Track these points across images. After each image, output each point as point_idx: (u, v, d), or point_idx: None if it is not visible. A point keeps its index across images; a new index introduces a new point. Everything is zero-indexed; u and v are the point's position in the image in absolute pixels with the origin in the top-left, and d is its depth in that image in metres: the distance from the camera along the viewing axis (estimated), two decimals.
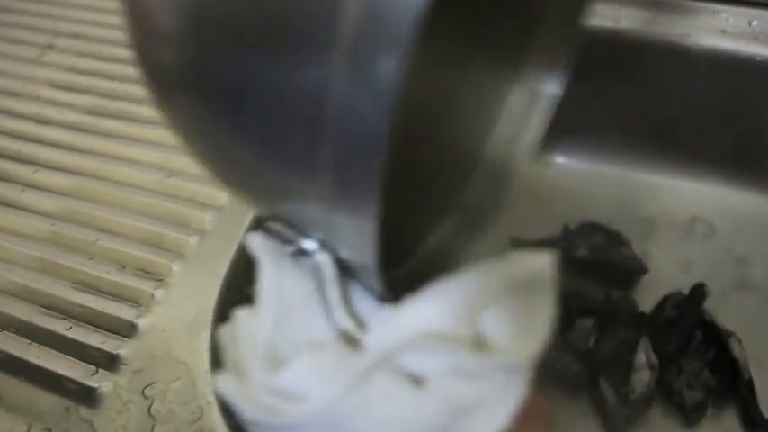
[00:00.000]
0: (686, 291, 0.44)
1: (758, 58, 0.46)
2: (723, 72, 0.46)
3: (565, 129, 0.54)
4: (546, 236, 0.49)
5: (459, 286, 0.23)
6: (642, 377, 0.39)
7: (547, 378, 0.42)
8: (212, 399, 0.31)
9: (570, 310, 0.44)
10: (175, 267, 0.38)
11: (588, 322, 0.44)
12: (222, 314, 0.34)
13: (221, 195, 0.43)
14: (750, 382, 0.41)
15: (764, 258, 0.48)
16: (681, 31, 0.47)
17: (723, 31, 0.47)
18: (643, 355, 0.40)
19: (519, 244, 0.50)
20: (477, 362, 0.21)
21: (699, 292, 0.43)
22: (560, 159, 0.54)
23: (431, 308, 0.23)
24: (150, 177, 0.44)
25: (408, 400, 0.21)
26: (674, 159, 0.51)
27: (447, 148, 0.40)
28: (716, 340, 0.42)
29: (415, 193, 0.37)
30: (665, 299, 0.44)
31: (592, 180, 0.53)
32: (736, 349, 0.41)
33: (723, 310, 0.44)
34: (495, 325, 0.22)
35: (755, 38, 0.47)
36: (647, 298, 0.45)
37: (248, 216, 0.39)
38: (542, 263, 0.23)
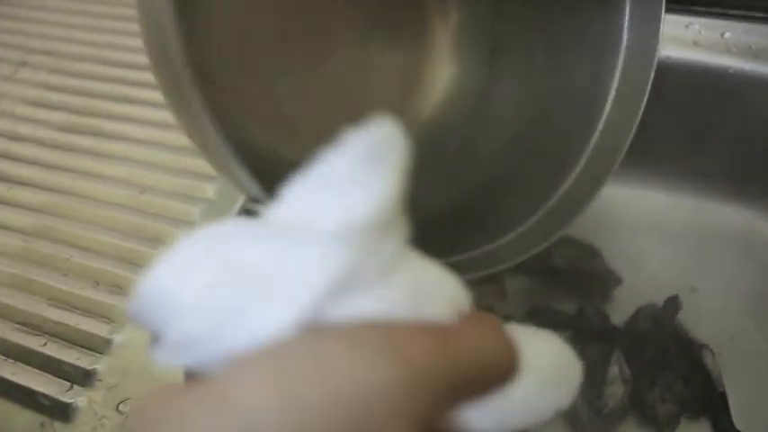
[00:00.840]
0: (659, 303, 0.45)
1: (731, 71, 0.47)
2: (694, 84, 0.47)
3: None
4: None
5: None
6: (615, 391, 0.40)
7: None
8: None
9: (543, 324, 0.44)
10: None
11: (562, 336, 0.45)
12: None
13: (194, 210, 0.43)
14: (723, 395, 0.42)
15: (736, 269, 0.48)
16: None
17: (695, 43, 0.48)
18: (616, 369, 0.40)
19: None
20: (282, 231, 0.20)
21: (672, 304, 0.44)
22: None
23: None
24: (123, 193, 0.45)
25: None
26: (644, 171, 0.52)
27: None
28: (689, 353, 0.43)
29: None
30: (639, 311, 0.45)
31: None
32: (709, 361, 0.42)
33: (696, 322, 0.44)
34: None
35: (728, 50, 0.48)
36: (620, 311, 0.46)
37: None
38: (385, 133, 0.21)
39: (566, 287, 0.48)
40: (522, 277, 0.50)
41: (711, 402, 0.42)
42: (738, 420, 0.41)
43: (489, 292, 0.44)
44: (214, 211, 0.44)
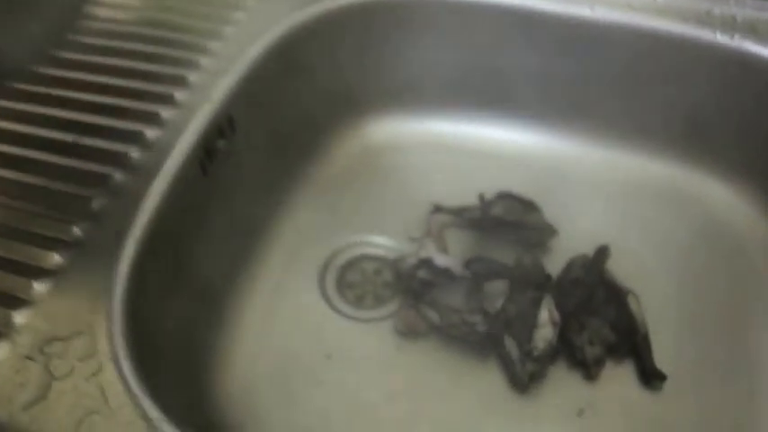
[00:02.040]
0: (591, 253, 0.48)
1: (662, 32, 0.49)
2: (628, 45, 0.49)
3: (488, 100, 0.58)
4: (464, 204, 0.52)
5: None
6: (545, 334, 0.42)
7: (454, 340, 0.46)
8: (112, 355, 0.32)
9: (479, 274, 0.47)
10: (78, 229, 0.38)
11: (498, 285, 0.47)
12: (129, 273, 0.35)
13: None
14: (646, 337, 0.45)
15: (663, 221, 0.51)
16: (585, 3, 0.50)
17: (629, 5, 0.50)
18: (546, 313, 0.43)
19: (441, 210, 0.52)
20: None
21: (601, 253, 0.46)
22: (479, 131, 0.57)
23: None
24: None
25: None
26: (582, 129, 0.54)
27: None
28: (616, 298, 0.45)
29: None
30: (572, 261, 0.47)
31: (505, 151, 0.56)
32: (633, 306, 0.45)
33: (625, 270, 0.47)
34: None
35: (660, 12, 0.50)
36: (556, 261, 0.48)
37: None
38: None
39: (505, 239, 0.50)
40: (462, 230, 0.52)
41: (635, 345, 0.45)
42: (660, 362, 0.44)
43: (410, 319, 0.47)
44: None
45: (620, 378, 0.45)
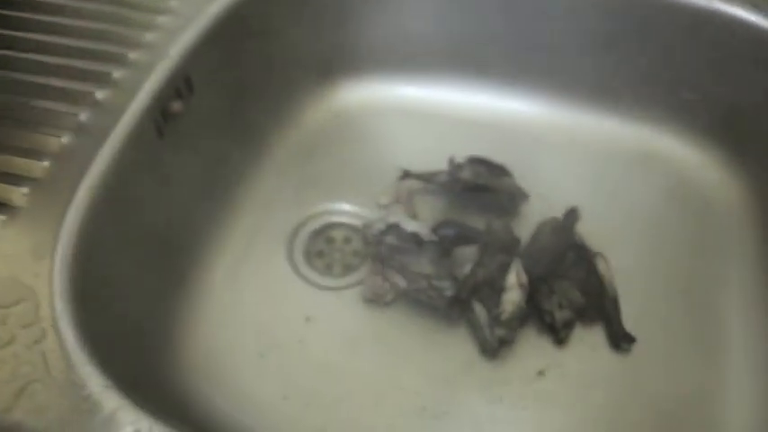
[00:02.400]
0: (562, 216, 0.47)
1: None
2: (599, 5, 0.48)
3: (459, 64, 0.56)
4: (434, 168, 0.51)
5: None
6: (512, 296, 0.42)
7: (423, 306, 0.45)
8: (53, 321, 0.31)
9: (447, 238, 0.46)
10: (23, 192, 0.37)
11: (468, 250, 0.46)
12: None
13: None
14: (615, 299, 0.45)
15: (633, 184, 0.51)
16: None
17: None
18: (514, 276, 0.42)
19: (410, 176, 0.52)
20: None
21: (571, 216, 0.46)
22: (450, 96, 0.56)
23: None
24: None
25: None
26: (553, 93, 0.53)
27: None
28: (585, 261, 0.45)
29: None
30: (542, 225, 0.46)
31: (476, 115, 0.55)
32: (602, 267, 0.44)
33: (595, 233, 0.46)
34: None
35: None
36: (527, 225, 0.47)
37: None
38: None
39: (475, 204, 0.49)
40: (432, 196, 0.51)
41: (604, 309, 0.45)
42: (629, 324, 0.44)
43: (377, 286, 0.46)
44: None
45: (589, 341, 0.45)
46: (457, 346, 0.44)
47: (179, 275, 0.44)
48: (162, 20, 0.45)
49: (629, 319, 0.45)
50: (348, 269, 0.48)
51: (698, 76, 0.50)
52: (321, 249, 0.50)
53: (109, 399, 0.28)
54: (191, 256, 0.45)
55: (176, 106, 0.41)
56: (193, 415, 0.36)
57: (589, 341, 0.45)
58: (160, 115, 0.40)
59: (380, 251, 0.46)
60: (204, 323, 0.44)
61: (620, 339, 0.44)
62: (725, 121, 0.50)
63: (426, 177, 0.51)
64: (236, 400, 0.40)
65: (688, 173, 0.52)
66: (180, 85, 0.41)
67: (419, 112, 0.55)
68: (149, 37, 0.44)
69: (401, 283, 0.45)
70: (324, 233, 0.50)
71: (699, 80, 0.50)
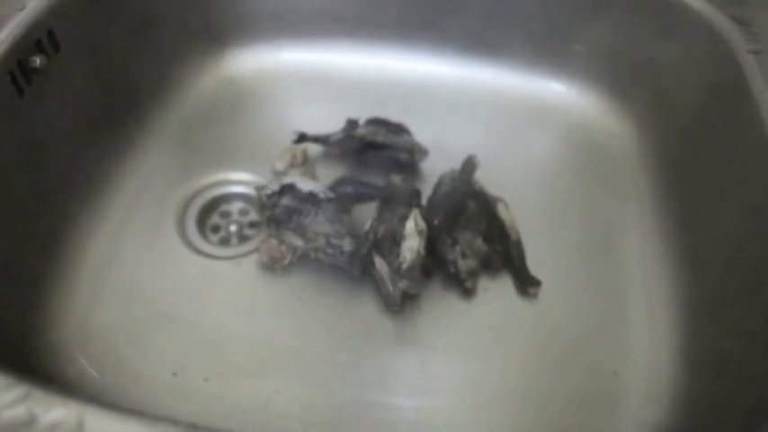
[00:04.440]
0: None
1: None
2: None
3: (350, 27, 0.57)
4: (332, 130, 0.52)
5: None
6: (411, 243, 0.42)
7: (323, 265, 0.45)
8: None
9: (346, 196, 0.47)
10: None
11: (368, 207, 0.47)
12: None
13: None
14: (518, 243, 0.46)
15: (528, 132, 0.54)
16: None
17: None
18: (411, 223, 0.43)
19: (305, 139, 0.52)
20: None
21: (468, 164, 0.47)
22: (343, 59, 0.57)
23: None
24: None
25: None
26: (444, 49, 0.55)
27: None
28: (486, 209, 0.46)
29: None
30: (442, 176, 0.48)
31: (371, 76, 0.56)
32: (503, 213, 0.46)
33: (495, 182, 0.48)
34: None
35: None
36: (428, 180, 0.49)
37: None
38: None
39: (375, 162, 0.51)
40: (333, 158, 0.52)
41: (509, 255, 0.46)
42: (533, 269, 0.46)
43: (272, 249, 0.46)
44: None
45: (496, 290, 0.46)
46: (361, 304, 0.45)
47: (53, 251, 0.43)
48: None
49: (534, 264, 0.46)
50: (245, 240, 0.48)
51: (584, 31, 0.53)
52: (215, 222, 0.49)
53: None
54: (64, 226, 0.44)
55: (39, 61, 0.40)
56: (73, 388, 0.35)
57: (496, 290, 0.46)
58: (19, 70, 0.39)
59: (275, 214, 0.46)
60: (81, 296, 0.43)
61: (527, 284, 0.46)
62: (614, 72, 0.54)
63: (322, 139, 0.51)
64: (124, 377, 0.39)
65: (581, 121, 0.55)
66: (42, 38, 0.40)
67: (314, 76, 0.56)
68: None
69: (298, 243, 0.45)
70: (218, 204, 0.50)
71: (585, 34, 0.53)
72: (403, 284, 0.44)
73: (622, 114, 0.54)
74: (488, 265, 0.47)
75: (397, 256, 0.44)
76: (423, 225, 0.43)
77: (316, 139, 0.51)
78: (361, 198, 0.47)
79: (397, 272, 0.44)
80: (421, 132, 0.51)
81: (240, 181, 0.50)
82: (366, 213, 0.47)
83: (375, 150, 0.51)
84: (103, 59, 0.47)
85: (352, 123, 0.51)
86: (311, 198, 0.46)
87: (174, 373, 0.40)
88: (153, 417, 0.27)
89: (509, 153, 0.52)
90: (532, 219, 0.48)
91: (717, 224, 0.45)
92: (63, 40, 0.42)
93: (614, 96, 0.54)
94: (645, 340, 0.44)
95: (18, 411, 0.26)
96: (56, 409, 0.26)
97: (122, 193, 0.48)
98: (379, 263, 0.45)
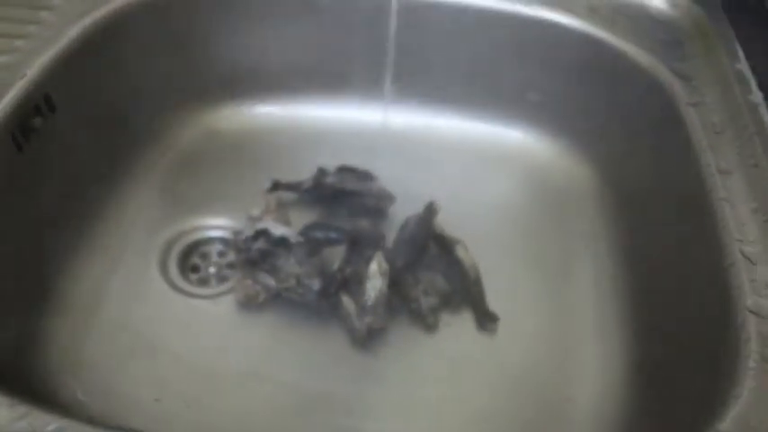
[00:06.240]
0: None
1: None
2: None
3: (323, 82, 0.65)
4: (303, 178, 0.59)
5: None
6: (375, 283, 0.49)
7: (294, 304, 0.51)
8: None
9: (316, 239, 0.53)
10: None
11: (337, 250, 0.54)
12: None
13: None
14: (477, 282, 0.53)
15: (491, 178, 0.62)
16: None
17: None
18: (375, 265, 0.49)
19: (279, 187, 0.59)
20: None
21: (429, 209, 0.54)
22: (317, 111, 0.65)
23: None
24: None
25: None
26: (414, 98, 0.63)
27: None
28: (446, 250, 0.53)
29: None
30: (407, 220, 0.54)
31: (342, 128, 0.64)
32: (461, 254, 0.52)
33: (457, 224, 0.54)
34: None
35: None
36: (394, 225, 0.55)
37: None
38: None
39: (344, 208, 0.58)
40: (304, 205, 0.59)
41: (469, 293, 0.53)
42: (493, 305, 0.52)
43: (247, 288, 0.53)
44: None
45: (457, 325, 0.53)
46: (330, 339, 0.51)
47: (43, 290, 0.49)
48: (20, 43, 0.51)
49: (493, 300, 0.53)
50: (223, 280, 0.55)
51: (539, 80, 0.61)
52: (195, 263, 0.56)
53: None
54: (56, 266, 0.50)
55: (37, 122, 0.47)
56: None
57: (457, 325, 0.53)
58: (19, 130, 0.46)
59: (250, 256, 0.53)
60: (73, 329, 0.49)
61: (486, 319, 0.52)
62: (568, 118, 0.62)
63: (294, 186, 0.59)
64: (111, 402, 0.45)
65: (540, 165, 0.62)
66: (39, 101, 0.48)
67: (287, 128, 0.64)
68: (6, 59, 0.50)
69: (271, 283, 0.52)
70: (198, 248, 0.57)
71: (541, 83, 0.61)
72: (368, 320, 0.50)
73: (579, 158, 0.62)
74: (449, 303, 0.53)
75: (363, 294, 0.51)
76: (385, 266, 0.50)
77: (288, 187, 0.58)
78: (330, 241, 0.54)
79: (362, 309, 0.50)
80: (387, 179, 0.58)
81: (218, 226, 0.57)
82: (335, 255, 0.54)
83: (344, 197, 0.58)
84: (95, 117, 0.55)
85: (322, 171, 0.58)
86: (283, 242, 0.53)
87: (157, 399, 0.47)
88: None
89: (471, 197, 0.60)
90: (493, 257, 0.55)
91: (664, 256, 0.52)
92: (58, 103, 0.50)
93: (569, 141, 0.62)
94: (597, 368, 0.50)
95: (21, 426, 0.32)
96: (54, 424, 0.32)
97: (110, 236, 0.55)
98: (347, 301, 0.51)
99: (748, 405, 0.35)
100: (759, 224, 0.44)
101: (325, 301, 0.51)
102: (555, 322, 0.53)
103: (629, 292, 0.54)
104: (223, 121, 0.64)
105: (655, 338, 0.50)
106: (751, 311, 0.39)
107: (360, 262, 0.52)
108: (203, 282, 0.55)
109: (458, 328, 0.52)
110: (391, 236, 0.55)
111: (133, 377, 0.48)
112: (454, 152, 0.63)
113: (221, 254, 0.56)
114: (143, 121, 0.60)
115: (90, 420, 0.33)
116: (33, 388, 0.42)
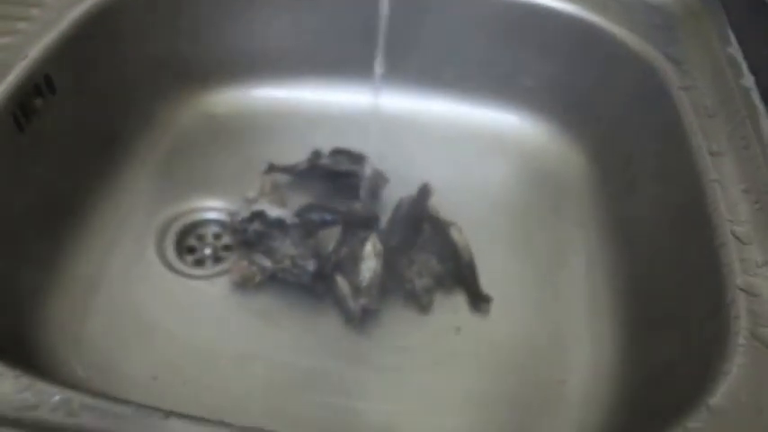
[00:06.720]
0: None
1: None
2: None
3: (320, 64, 0.66)
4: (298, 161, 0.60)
5: None
6: (370, 265, 0.51)
7: (289, 285, 0.53)
8: None
9: (311, 221, 0.55)
10: None
11: (332, 231, 0.55)
12: None
13: None
14: (471, 264, 0.54)
15: (484, 161, 0.63)
16: None
17: None
18: (370, 246, 0.51)
19: (274, 169, 0.60)
20: None
21: (424, 191, 0.55)
22: (313, 95, 0.66)
23: None
24: None
25: None
26: (406, 83, 0.65)
27: None
28: (440, 232, 0.55)
29: None
30: (400, 202, 0.56)
31: (338, 111, 0.66)
32: (455, 236, 0.54)
33: (451, 207, 0.56)
34: None
35: None
36: (388, 206, 0.57)
37: None
38: None
39: (338, 190, 0.59)
40: (300, 187, 0.60)
41: (462, 274, 0.54)
42: (486, 286, 0.54)
43: (243, 269, 0.54)
44: None
45: (451, 306, 0.54)
46: (324, 319, 0.52)
47: (50, 260, 0.51)
48: (21, 25, 0.52)
49: (486, 282, 0.54)
50: (219, 261, 0.56)
51: (533, 64, 0.62)
52: (192, 244, 0.57)
53: None
54: (56, 246, 0.52)
55: (38, 103, 0.49)
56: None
57: (451, 306, 0.54)
58: (20, 110, 0.47)
59: (246, 237, 0.54)
60: (73, 308, 0.51)
61: (479, 300, 0.54)
62: (563, 104, 0.63)
63: (290, 169, 0.60)
64: (109, 379, 0.46)
65: (533, 150, 0.64)
66: (40, 82, 0.49)
67: (283, 111, 0.65)
68: (8, 40, 0.52)
69: (267, 264, 0.53)
70: (195, 229, 0.58)
71: (534, 67, 0.63)
72: (363, 301, 0.52)
73: (572, 143, 0.64)
74: (443, 284, 0.55)
75: (358, 275, 0.52)
76: (380, 247, 0.51)
77: (284, 169, 0.60)
78: (325, 223, 0.55)
79: (357, 289, 0.52)
80: (381, 161, 0.59)
81: (215, 208, 0.59)
82: (330, 237, 0.55)
83: (339, 179, 0.59)
84: (94, 99, 0.56)
85: (316, 154, 0.59)
86: (279, 223, 0.54)
87: (154, 377, 0.48)
88: (137, 404, 0.34)
89: (465, 180, 0.61)
90: (486, 240, 0.56)
91: (656, 237, 0.53)
92: (59, 84, 0.51)
93: (564, 126, 0.64)
94: (589, 351, 0.52)
95: (25, 396, 0.34)
96: (59, 395, 0.34)
97: (109, 217, 0.57)
98: (341, 281, 0.53)
99: (738, 381, 0.37)
100: (749, 205, 0.45)
101: (320, 282, 0.52)
102: (548, 304, 0.54)
103: (621, 274, 0.55)
104: (219, 104, 0.65)
105: (646, 317, 0.51)
106: (741, 289, 0.41)
107: (354, 243, 0.54)
108: (200, 263, 0.56)
109: (451, 308, 0.54)
110: (385, 217, 0.56)
111: (131, 355, 0.49)
112: (448, 136, 0.65)
113: (217, 235, 0.58)
114: (142, 104, 0.61)
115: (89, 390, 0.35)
116: (34, 365, 0.44)
